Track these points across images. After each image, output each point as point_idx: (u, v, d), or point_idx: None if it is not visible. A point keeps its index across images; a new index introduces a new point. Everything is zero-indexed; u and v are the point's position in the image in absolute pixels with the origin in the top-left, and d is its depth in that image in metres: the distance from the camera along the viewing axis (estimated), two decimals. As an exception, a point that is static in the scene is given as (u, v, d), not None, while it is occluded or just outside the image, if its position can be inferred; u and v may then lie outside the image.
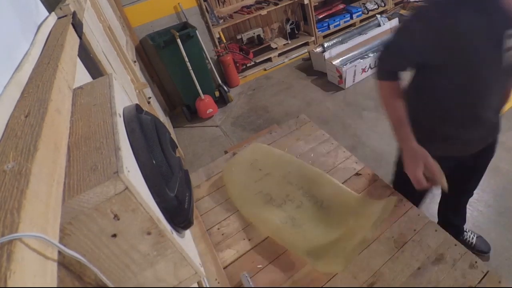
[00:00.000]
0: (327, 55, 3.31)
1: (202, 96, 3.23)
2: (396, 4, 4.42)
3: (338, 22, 4.20)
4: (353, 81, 3.21)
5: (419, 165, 0.91)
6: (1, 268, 0.24)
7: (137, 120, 0.54)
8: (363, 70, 3.22)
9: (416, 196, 1.14)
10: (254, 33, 3.99)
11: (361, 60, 3.21)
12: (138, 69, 2.61)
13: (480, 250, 1.64)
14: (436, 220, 1.86)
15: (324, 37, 4.19)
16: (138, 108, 0.59)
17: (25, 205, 0.29)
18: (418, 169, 0.91)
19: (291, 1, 3.83)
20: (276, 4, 3.78)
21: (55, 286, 0.29)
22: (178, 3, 3.20)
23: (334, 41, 3.56)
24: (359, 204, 1.07)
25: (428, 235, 0.97)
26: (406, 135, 0.97)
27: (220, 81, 3.48)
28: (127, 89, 1.39)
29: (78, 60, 0.84)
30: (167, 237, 0.47)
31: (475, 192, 1.99)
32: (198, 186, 1.32)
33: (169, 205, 0.51)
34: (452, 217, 1.65)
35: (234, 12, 3.76)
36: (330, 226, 1.04)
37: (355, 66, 3.12)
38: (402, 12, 4.01)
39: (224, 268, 1.00)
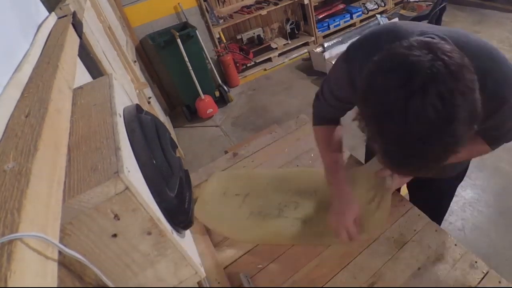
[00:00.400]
0: (327, 55, 3.31)
1: (202, 96, 3.23)
2: (396, 4, 4.41)
3: (338, 22, 4.19)
4: (353, 81, 3.21)
5: (350, 212, 0.89)
6: (1, 268, 0.24)
7: (137, 120, 0.54)
8: (363, 70, 3.22)
9: None
10: (254, 33, 3.99)
11: (361, 60, 3.20)
12: (138, 69, 2.61)
13: None
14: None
15: (324, 37, 4.18)
16: (138, 108, 0.59)
17: (25, 205, 0.29)
18: (348, 216, 0.89)
19: (291, 1, 3.83)
20: (276, 4, 3.78)
21: (56, 286, 0.29)
22: (178, 3, 3.20)
23: (334, 41, 3.56)
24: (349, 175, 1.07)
25: (428, 235, 0.97)
26: (339, 180, 0.94)
27: (220, 81, 3.48)
28: (127, 89, 1.39)
29: (78, 60, 0.84)
30: (167, 237, 0.47)
31: (475, 192, 1.99)
32: (198, 186, 1.32)
33: (169, 205, 0.51)
34: None
35: (234, 12, 3.75)
36: None
37: (355, 66, 3.12)
38: (402, 12, 4.01)
39: (224, 268, 1.00)
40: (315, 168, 1.21)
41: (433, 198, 1.08)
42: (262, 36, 4.04)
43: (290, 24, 4.12)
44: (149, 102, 2.20)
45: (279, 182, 1.19)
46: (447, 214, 1.90)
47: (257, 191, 1.19)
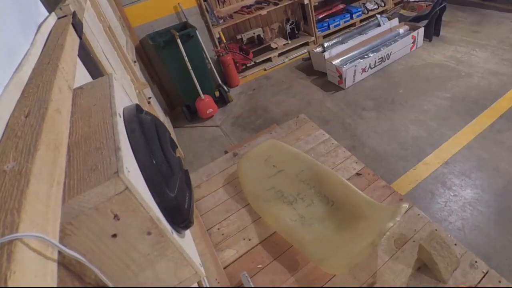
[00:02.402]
0: (327, 55, 3.31)
1: (202, 96, 3.23)
2: (396, 4, 4.42)
3: (338, 22, 4.19)
4: (353, 81, 3.21)
5: None
6: (1, 268, 0.24)
7: (137, 120, 0.54)
8: (363, 70, 3.22)
9: None
10: (254, 33, 3.99)
11: (361, 60, 3.21)
12: (138, 69, 2.61)
13: None
14: (436, 219, 1.86)
15: (324, 37, 4.18)
16: (138, 108, 0.59)
17: (25, 205, 0.28)
18: None
19: (291, 1, 3.83)
20: (276, 4, 3.77)
21: (55, 286, 0.29)
22: (178, 3, 3.19)
23: (334, 41, 3.56)
24: (369, 208, 1.06)
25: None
26: None
27: (220, 81, 3.48)
28: (127, 89, 1.39)
29: (78, 60, 0.84)
30: (167, 237, 0.47)
31: (475, 192, 1.99)
32: (198, 186, 1.32)
33: (169, 205, 0.51)
34: None
35: (234, 12, 3.75)
36: (339, 227, 1.04)
37: (355, 66, 3.12)
38: (402, 12, 4.01)
39: (224, 268, 1.00)
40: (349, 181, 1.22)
41: None
42: (262, 36, 4.04)
43: (290, 24, 4.12)
44: (149, 102, 2.20)
45: (312, 175, 1.23)
46: (447, 214, 1.90)
47: (290, 172, 1.27)
